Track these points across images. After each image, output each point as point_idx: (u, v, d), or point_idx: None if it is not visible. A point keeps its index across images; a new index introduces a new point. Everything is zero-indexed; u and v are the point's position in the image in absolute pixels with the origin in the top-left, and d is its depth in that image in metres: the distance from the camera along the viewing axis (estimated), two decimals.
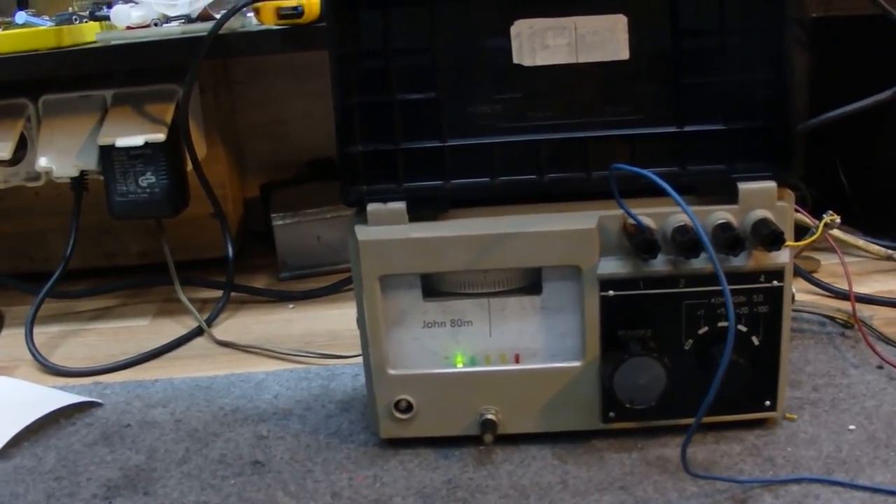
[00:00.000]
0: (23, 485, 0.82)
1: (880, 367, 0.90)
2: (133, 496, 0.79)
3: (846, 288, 0.98)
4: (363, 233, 0.77)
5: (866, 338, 0.93)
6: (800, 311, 1.01)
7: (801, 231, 0.89)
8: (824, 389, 0.87)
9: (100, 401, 0.97)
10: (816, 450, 0.78)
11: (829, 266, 1.15)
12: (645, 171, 0.70)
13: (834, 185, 1.30)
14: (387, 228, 0.77)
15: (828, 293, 1.08)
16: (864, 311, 1.02)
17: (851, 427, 0.81)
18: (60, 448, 0.88)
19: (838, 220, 0.88)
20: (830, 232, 0.97)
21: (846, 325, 0.99)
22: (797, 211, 0.93)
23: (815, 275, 1.11)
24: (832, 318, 1.00)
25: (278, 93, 1.49)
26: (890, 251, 1.20)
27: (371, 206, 0.77)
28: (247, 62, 1.48)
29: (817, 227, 0.85)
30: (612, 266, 0.76)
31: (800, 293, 1.06)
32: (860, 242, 1.18)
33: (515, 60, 0.77)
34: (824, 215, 0.87)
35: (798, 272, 1.08)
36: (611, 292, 0.76)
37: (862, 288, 1.09)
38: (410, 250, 0.76)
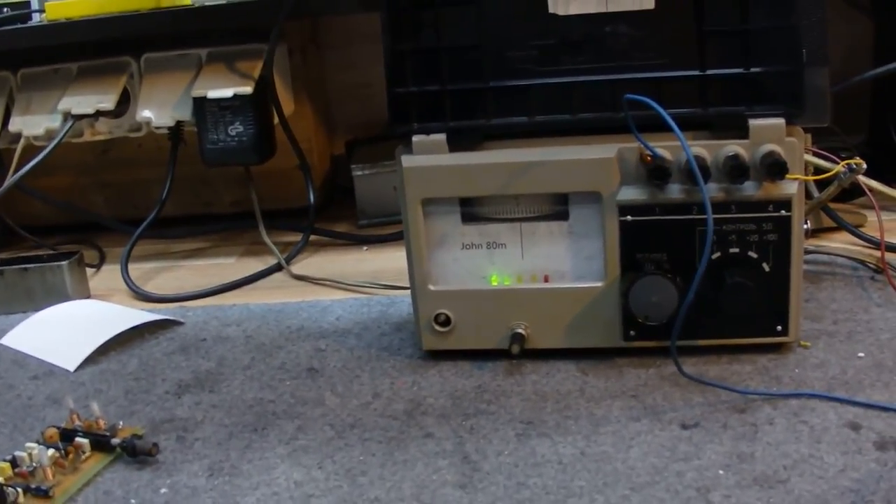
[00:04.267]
0: (106, 383, 0.94)
1: None
2: (200, 393, 0.89)
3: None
4: (408, 160, 0.85)
5: (891, 280, 0.97)
6: (833, 254, 1.06)
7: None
8: (843, 323, 0.92)
9: (182, 320, 1.08)
10: (823, 372, 0.82)
11: (875, 223, 1.18)
12: (645, 99, 0.77)
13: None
14: (429, 157, 0.85)
15: (866, 243, 1.12)
16: None
17: (861, 355, 0.85)
18: (142, 356, 0.99)
19: (864, 165, 0.92)
20: (868, 183, 1.02)
21: (877, 270, 1.03)
22: (825, 157, 0.99)
23: (861, 229, 1.16)
24: (863, 263, 1.05)
25: (364, 57, 1.57)
26: None
27: (416, 138, 0.85)
28: (335, 28, 1.57)
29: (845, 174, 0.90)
30: (630, 193, 0.82)
31: (841, 243, 1.11)
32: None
33: (551, 10, 0.84)
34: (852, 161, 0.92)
35: (842, 224, 1.13)
36: (629, 217, 0.83)
37: None
38: (449, 176, 0.85)
